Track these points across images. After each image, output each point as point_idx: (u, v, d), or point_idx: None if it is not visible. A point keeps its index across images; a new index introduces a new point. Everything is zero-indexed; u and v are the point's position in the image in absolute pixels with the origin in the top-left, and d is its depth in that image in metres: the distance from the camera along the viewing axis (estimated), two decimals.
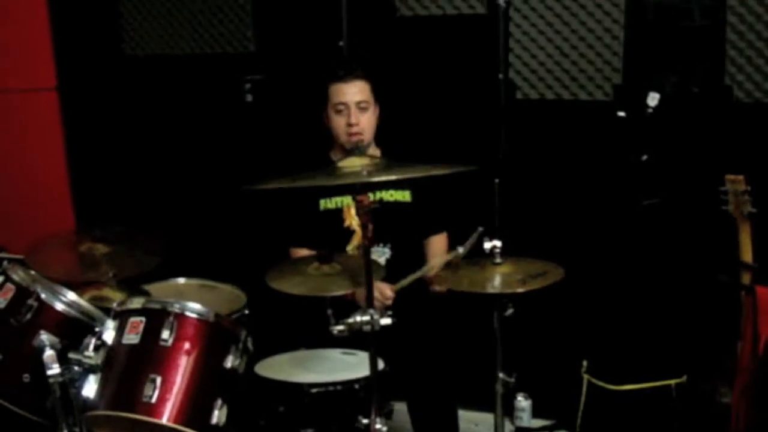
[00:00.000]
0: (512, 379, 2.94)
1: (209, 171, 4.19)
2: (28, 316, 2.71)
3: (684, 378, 3.38)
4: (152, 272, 3.20)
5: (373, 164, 2.45)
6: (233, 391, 2.58)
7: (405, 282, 3.09)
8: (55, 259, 3.16)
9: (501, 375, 2.92)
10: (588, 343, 3.60)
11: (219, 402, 2.52)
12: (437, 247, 3.43)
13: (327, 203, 3.36)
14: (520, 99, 3.66)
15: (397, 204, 3.35)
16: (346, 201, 3.33)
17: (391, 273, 2.99)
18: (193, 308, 2.56)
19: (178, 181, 4.27)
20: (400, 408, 3.14)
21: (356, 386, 2.71)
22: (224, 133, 4.12)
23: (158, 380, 2.45)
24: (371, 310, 2.42)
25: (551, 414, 3.78)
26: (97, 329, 2.64)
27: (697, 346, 3.36)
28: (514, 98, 3.65)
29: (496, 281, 2.75)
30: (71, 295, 2.78)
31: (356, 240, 3.33)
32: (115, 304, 2.66)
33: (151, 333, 2.51)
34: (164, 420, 2.43)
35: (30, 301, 2.73)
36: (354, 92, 3.27)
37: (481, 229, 2.87)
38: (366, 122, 3.29)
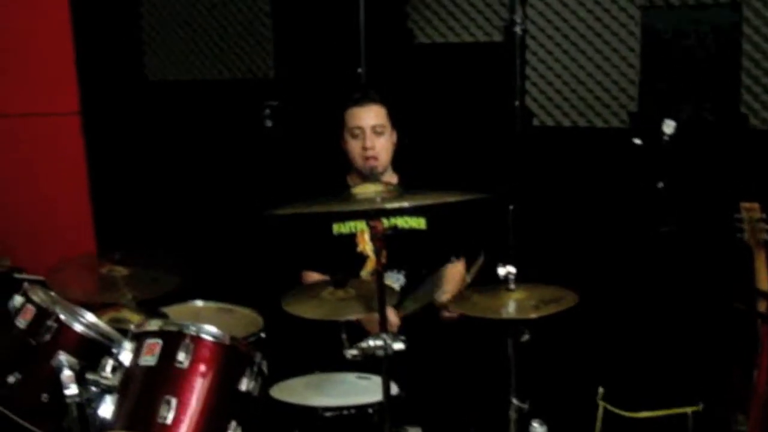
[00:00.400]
0: (526, 406, 2.93)
1: (228, 195, 4.23)
2: (48, 336, 2.74)
3: (700, 406, 3.36)
4: (171, 295, 3.23)
5: (387, 191, 2.47)
6: (248, 414, 2.60)
7: (411, 308, 3.10)
8: (76, 281, 3.20)
9: (515, 401, 2.91)
10: (604, 370, 3.59)
11: (233, 424, 2.54)
12: (455, 270, 3.42)
13: (341, 228, 3.38)
14: (536, 126, 3.68)
15: (411, 231, 3.37)
16: (360, 226, 3.34)
17: (404, 299, 3.00)
18: (209, 331, 2.59)
19: (198, 204, 4.32)
20: None
21: (370, 410, 2.71)
22: (244, 157, 4.17)
23: (174, 402, 2.47)
24: (384, 335, 2.44)
25: None
26: (114, 350, 2.67)
27: (714, 374, 3.34)
28: (531, 125, 3.68)
29: (510, 307, 2.75)
30: (90, 317, 2.81)
31: (370, 265, 3.34)
32: (132, 326, 2.70)
33: (167, 355, 2.54)
34: None
35: (49, 322, 2.76)
36: (370, 116, 3.30)
37: (482, 258, 2.88)
38: (381, 147, 3.31)
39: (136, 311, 3.07)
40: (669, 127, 3.45)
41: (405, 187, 3.21)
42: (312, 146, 3.90)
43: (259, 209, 3.80)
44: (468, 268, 2.94)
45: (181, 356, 2.52)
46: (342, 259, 3.33)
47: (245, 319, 3.35)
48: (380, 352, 2.44)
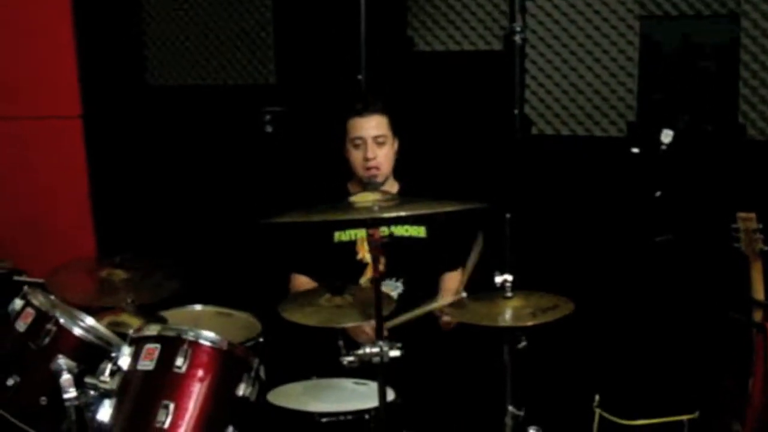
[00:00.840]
0: (521, 413, 2.95)
1: (229, 200, 4.25)
2: (47, 340, 2.76)
3: (696, 414, 3.37)
4: (170, 299, 3.25)
5: (385, 199, 2.49)
6: (244, 419, 2.61)
7: (398, 321, 3.10)
8: (75, 284, 3.22)
9: (510, 408, 2.93)
10: (600, 378, 3.61)
11: (230, 429, 2.56)
12: (451, 283, 3.41)
13: (341, 236, 3.38)
14: (535, 134, 3.70)
15: (411, 239, 3.37)
16: (360, 234, 3.34)
17: (402, 307, 3.01)
18: (207, 336, 2.61)
19: (198, 209, 4.33)
20: None
21: (366, 416, 2.72)
22: (244, 163, 4.19)
23: (171, 406, 2.49)
24: (381, 342, 2.46)
25: None
26: (113, 354, 2.69)
27: (709, 382, 3.35)
28: (530, 134, 3.70)
29: (506, 315, 2.76)
30: (89, 321, 2.83)
31: (369, 273, 3.34)
32: (131, 331, 2.71)
33: (165, 360, 2.56)
34: None
35: (49, 326, 2.77)
36: (371, 127, 3.30)
37: (480, 238, 2.88)
38: (383, 156, 3.31)
39: (135, 315, 3.08)
40: (667, 136, 3.47)
41: (405, 195, 3.25)
42: (312, 153, 3.91)
43: (259, 215, 3.85)
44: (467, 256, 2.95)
45: (179, 361, 2.54)
46: (342, 267, 3.34)
47: (244, 324, 3.36)
48: (377, 359, 2.46)
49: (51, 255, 4.18)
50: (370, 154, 3.28)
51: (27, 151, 4.65)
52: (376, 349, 2.46)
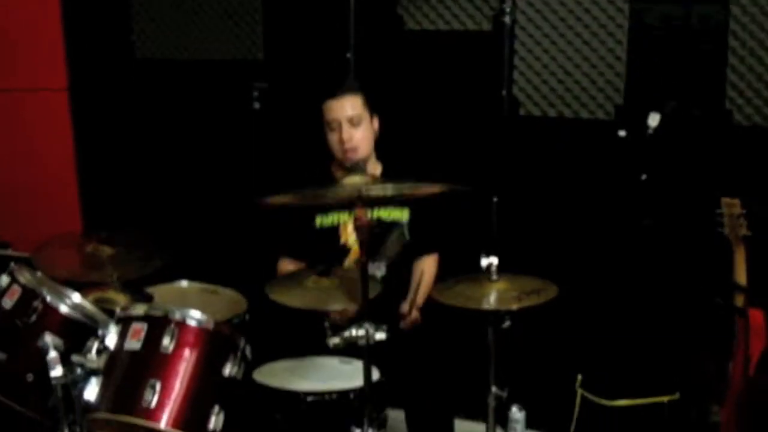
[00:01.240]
0: (504, 393, 2.98)
1: (215, 175, 4.24)
2: (34, 317, 2.76)
3: (677, 395, 3.41)
4: (156, 274, 3.25)
5: (372, 182, 2.49)
6: (231, 398, 2.63)
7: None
8: (61, 259, 3.21)
9: (494, 389, 2.96)
10: (582, 358, 3.64)
11: (216, 408, 2.57)
12: (427, 267, 3.45)
13: (323, 220, 3.38)
14: (522, 115, 3.70)
15: (394, 223, 3.36)
16: (343, 218, 3.34)
17: (385, 289, 3.02)
18: (194, 316, 2.62)
19: (185, 184, 4.33)
20: (396, 416, 3.20)
21: (351, 395, 2.75)
22: (231, 138, 4.18)
23: (158, 385, 2.51)
24: (366, 324, 2.48)
25: (545, 426, 3.81)
26: (100, 332, 2.70)
27: (690, 365, 3.39)
28: (517, 114, 3.70)
29: (491, 298, 2.79)
30: (76, 298, 2.83)
31: (353, 256, 3.34)
32: (118, 310, 2.72)
33: (152, 339, 2.57)
34: (162, 424, 2.49)
35: (35, 303, 2.77)
36: (345, 108, 3.26)
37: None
38: (360, 136, 3.28)
39: (122, 291, 3.08)
40: (654, 120, 3.48)
41: (389, 177, 3.25)
42: (298, 131, 3.90)
43: (245, 192, 3.85)
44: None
45: (166, 341, 2.55)
46: (324, 251, 3.33)
47: (230, 301, 3.37)
48: (362, 342, 2.48)
49: (37, 228, 4.20)
50: (345, 136, 3.25)
51: (13, 124, 4.62)
52: (362, 332, 2.48)
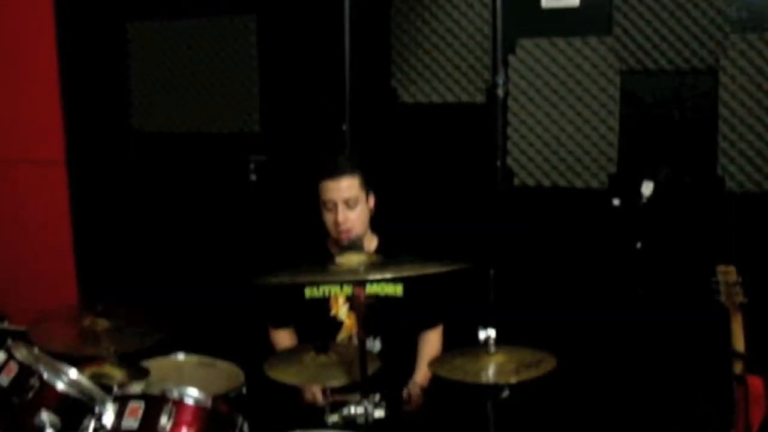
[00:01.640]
0: None
1: (212, 248, 4.25)
2: (30, 394, 2.73)
3: None
4: (152, 347, 3.24)
5: (370, 261, 2.50)
6: None
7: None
8: (57, 333, 3.20)
9: None
10: (582, 429, 3.62)
11: None
12: (432, 341, 3.43)
13: (313, 291, 3.35)
14: (517, 186, 3.73)
15: (388, 298, 3.32)
16: (334, 290, 3.32)
17: (383, 365, 3.00)
18: (192, 394, 2.61)
19: (182, 256, 4.33)
20: None
21: None
22: (228, 210, 4.20)
23: None
24: (366, 402, 2.47)
25: None
26: (97, 409, 2.68)
27: None
28: (512, 185, 3.73)
29: (490, 371, 2.78)
30: (73, 374, 2.81)
31: (345, 331, 3.34)
32: (115, 387, 2.71)
33: (149, 419, 2.55)
34: None
35: (32, 381, 2.75)
36: (341, 189, 3.24)
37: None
38: (355, 217, 3.26)
39: (118, 366, 3.06)
40: (647, 188, 3.52)
41: (385, 251, 3.26)
42: (295, 205, 3.90)
43: (241, 267, 3.86)
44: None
45: (164, 420, 2.54)
46: (315, 323, 3.34)
47: (227, 374, 3.36)
48: (361, 420, 2.47)
49: (33, 300, 4.18)
50: (340, 218, 3.22)
51: (9, 194, 4.64)
52: (361, 409, 2.47)
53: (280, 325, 3.46)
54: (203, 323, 4.11)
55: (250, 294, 3.40)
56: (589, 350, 3.58)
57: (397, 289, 3.35)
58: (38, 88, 4.56)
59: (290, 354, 2.89)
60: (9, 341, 2.96)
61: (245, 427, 2.70)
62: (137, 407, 2.58)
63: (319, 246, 3.40)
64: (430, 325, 3.44)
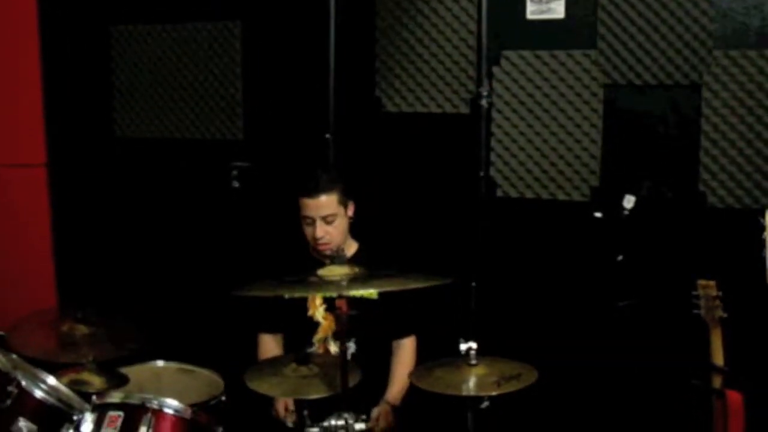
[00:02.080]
0: None
1: (194, 253, 4.24)
2: (8, 402, 2.73)
3: None
4: (131, 354, 3.22)
5: (352, 275, 2.50)
6: None
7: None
8: (36, 338, 3.18)
9: None
10: None
11: None
12: (405, 351, 3.45)
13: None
14: (500, 197, 3.74)
15: (362, 301, 3.28)
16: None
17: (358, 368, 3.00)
18: (171, 405, 2.61)
19: (163, 262, 4.32)
20: None
21: None
22: (210, 217, 4.18)
23: None
24: (346, 414, 2.47)
25: None
26: (75, 417, 2.67)
27: None
28: (494, 196, 3.73)
29: (471, 383, 2.78)
30: (51, 381, 2.81)
31: (321, 332, 3.35)
32: (94, 397, 2.70)
33: (128, 428, 2.56)
34: None
35: (10, 388, 2.75)
36: (320, 207, 3.29)
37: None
38: (334, 231, 3.31)
39: (97, 373, 3.05)
40: (629, 202, 3.54)
41: (365, 258, 3.26)
42: (277, 212, 3.89)
43: (223, 273, 3.84)
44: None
45: (143, 430, 2.54)
46: (292, 323, 3.37)
47: (206, 382, 3.35)
48: None
49: (11, 306, 4.13)
50: (318, 233, 3.28)
51: None
52: (341, 422, 2.47)
53: (268, 330, 3.46)
54: (183, 330, 4.10)
55: (231, 299, 3.40)
56: (569, 363, 3.57)
57: (372, 294, 3.32)
58: (20, 91, 4.52)
59: (270, 364, 2.88)
60: None
61: None
62: (116, 416, 2.59)
63: (302, 252, 3.42)
64: (403, 334, 3.46)
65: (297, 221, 3.38)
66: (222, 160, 4.07)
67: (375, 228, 3.51)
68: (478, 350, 2.86)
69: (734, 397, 3.06)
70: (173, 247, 4.30)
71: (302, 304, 3.37)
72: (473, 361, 2.84)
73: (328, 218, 3.30)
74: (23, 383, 2.75)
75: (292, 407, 3.11)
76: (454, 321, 3.53)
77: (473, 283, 3.60)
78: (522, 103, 3.67)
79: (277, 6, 4.04)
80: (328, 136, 3.87)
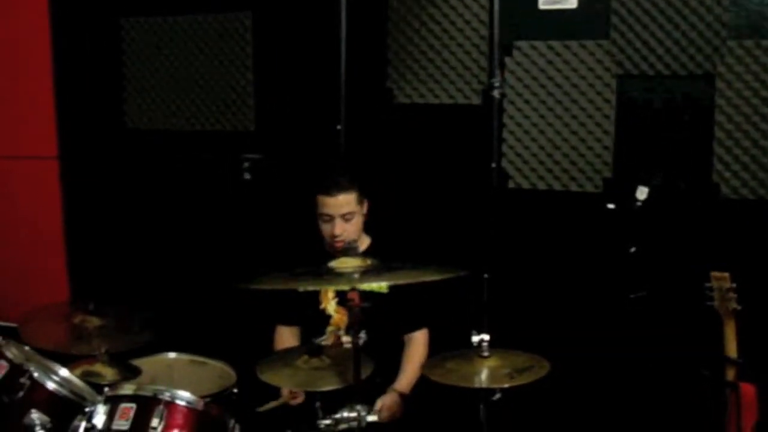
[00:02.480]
0: None
1: (206, 245, 4.24)
2: (21, 393, 2.75)
3: None
4: (143, 346, 3.23)
5: (365, 267, 2.50)
6: None
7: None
8: (48, 330, 3.21)
9: None
10: None
11: None
12: (416, 344, 3.44)
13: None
14: (512, 188, 3.72)
15: (372, 295, 3.27)
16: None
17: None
18: (183, 396, 2.60)
19: (175, 254, 4.32)
20: None
21: None
22: (221, 209, 4.18)
23: None
24: (359, 407, 2.46)
25: None
26: (87, 409, 2.67)
27: None
28: (506, 187, 3.72)
29: (483, 375, 2.77)
30: (63, 373, 2.82)
31: (333, 325, 3.36)
32: (107, 389, 2.70)
33: (141, 420, 2.56)
34: None
35: (23, 380, 2.76)
36: (339, 205, 3.32)
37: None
38: (351, 228, 3.34)
39: (109, 365, 3.06)
40: (642, 193, 3.51)
41: (377, 252, 3.25)
42: (289, 202, 3.90)
43: (235, 265, 3.84)
44: None
45: (155, 422, 2.54)
46: (305, 315, 3.38)
47: (218, 373, 3.36)
48: (353, 424, 2.46)
49: (24, 298, 4.16)
50: (337, 231, 3.31)
51: (2, 191, 4.63)
52: (353, 414, 2.46)
53: (285, 322, 3.47)
54: (195, 322, 4.11)
55: (248, 292, 3.41)
56: (582, 354, 3.56)
57: (383, 288, 3.33)
58: (32, 84, 4.54)
59: (282, 356, 2.88)
60: (0, 339, 2.95)
61: (237, 429, 2.70)
62: (129, 408, 2.59)
63: (314, 245, 3.42)
64: (415, 327, 3.46)
65: (309, 214, 3.38)
66: (233, 152, 4.08)
67: (386, 220, 3.50)
68: (490, 342, 2.85)
69: (747, 389, 3.06)
70: (185, 239, 4.30)
71: (315, 297, 3.38)
72: (485, 353, 2.84)
73: (347, 216, 3.32)
74: (36, 375, 2.76)
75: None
76: (467, 313, 3.51)
77: (485, 275, 3.58)
78: (534, 93, 3.65)
79: None
80: (339, 127, 3.86)
